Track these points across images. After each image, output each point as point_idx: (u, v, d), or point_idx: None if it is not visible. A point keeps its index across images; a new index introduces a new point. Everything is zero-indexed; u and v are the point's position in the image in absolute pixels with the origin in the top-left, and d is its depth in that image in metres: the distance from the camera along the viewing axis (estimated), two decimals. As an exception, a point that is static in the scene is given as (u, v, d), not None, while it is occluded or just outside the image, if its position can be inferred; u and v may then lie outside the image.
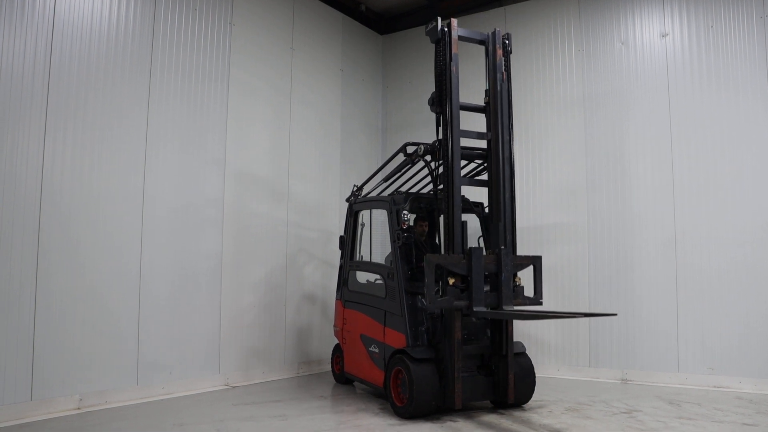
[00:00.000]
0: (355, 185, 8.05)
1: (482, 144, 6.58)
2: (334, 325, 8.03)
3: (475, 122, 7.03)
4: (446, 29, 6.20)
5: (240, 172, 8.08)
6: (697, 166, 7.89)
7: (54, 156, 6.14)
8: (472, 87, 7.56)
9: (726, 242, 7.64)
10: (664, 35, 8.26)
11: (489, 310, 5.94)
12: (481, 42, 6.49)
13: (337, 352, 8.09)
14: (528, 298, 6.36)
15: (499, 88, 6.34)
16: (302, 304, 8.96)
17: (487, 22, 9.63)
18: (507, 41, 6.50)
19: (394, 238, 6.56)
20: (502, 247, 6.12)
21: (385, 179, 7.52)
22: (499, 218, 6.23)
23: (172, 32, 7.33)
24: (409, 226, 6.49)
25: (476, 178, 6.77)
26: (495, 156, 6.34)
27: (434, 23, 6.22)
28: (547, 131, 9.01)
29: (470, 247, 5.97)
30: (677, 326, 7.83)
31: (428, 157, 6.53)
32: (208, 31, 7.76)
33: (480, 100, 6.66)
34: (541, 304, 6.39)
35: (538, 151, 9.06)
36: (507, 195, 6.30)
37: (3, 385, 5.65)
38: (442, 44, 6.19)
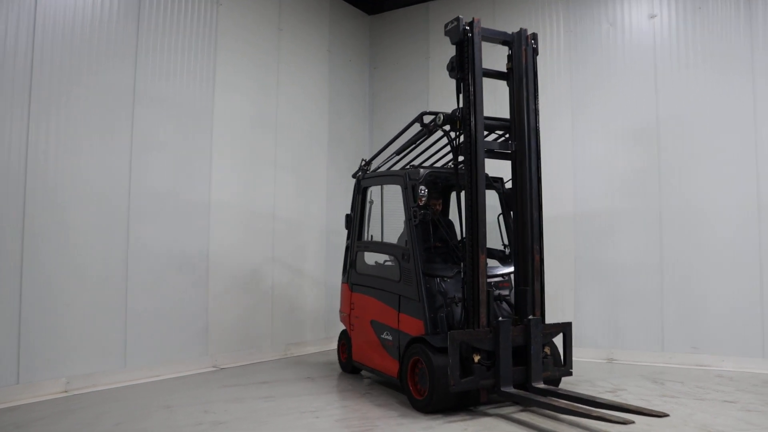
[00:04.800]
0: (363, 159, 7.60)
1: (504, 113, 6.13)
2: (340, 311, 7.59)
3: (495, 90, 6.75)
4: (469, 30, 5.67)
5: (227, 154, 8.03)
6: (683, 146, 7.93)
7: (38, 139, 6.07)
8: (489, 53, 7.08)
9: (711, 222, 7.71)
10: (652, 16, 8.24)
11: (518, 392, 5.43)
12: (505, 42, 6.02)
13: (344, 339, 7.52)
14: (558, 369, 5.90)
15: (524, 59, 5.92)
16: (290, 284, 8.96)
17: (473, 2, 9.58)
18: (534, 41, 6.00)
19: (410, 216, 6.03)
20: (530, 317, 5.65)
21: (398, 152, 7.00)
22: (524, 195, 5.87)
23: (158, 12, 7.23)
24: (426, 203, 6.03)
25: (497, 150, 6.09)
26: (519, 126, 5.91)
27: (455, 22, 5.70)
28: (535, 112, 8.99)
29: (497, 321, 5.45)
30: (662, 306, 7.91)
31: (447, 127, 5.99)
32: (194, 11, 7.66)
33: (501, 66, 6.19)
34: (570, 374, 5.99)
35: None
36: (533, 169, 5.89)
37: (-11, 369, 5.65)
38: (466, 45, 5.66)
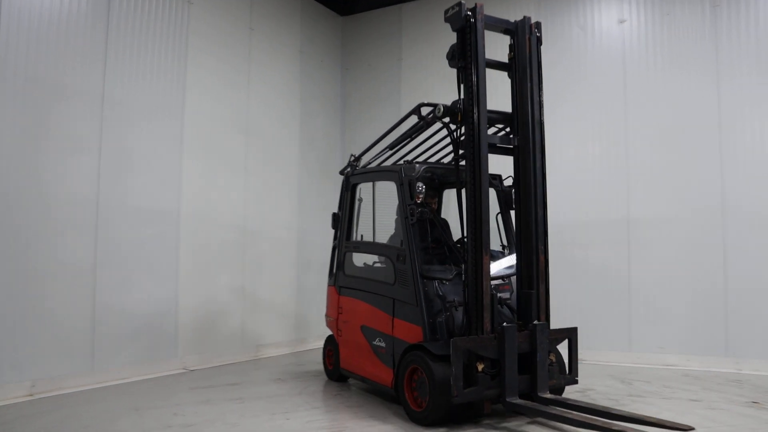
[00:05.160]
0: (352, 155, 7.15)
1: (498, 106, 5.72)
2: (327, 315, 7.14)
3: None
4: (471, 15, 5.31)
5: (198, 153, 7.95)
6: (651, 148, 8.08)
7: (2, 140, 5.94)
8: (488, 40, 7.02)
9: (677, 223, 7.86)
10: (621, 21, 8.37)
11: (526, 403, 5.04)
12: (507, 31, 5.66)
13: (330, 345, 7.09)
14: (563, 377, 5.55)
15: (528, 48, 5.56)
16: (260, 285, 8.91)
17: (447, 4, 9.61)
18: (537, 30, 5.64)
19: (407, 214, 5.64)
20: (536, 321, 5.31)
21: (391, 146, 6.58)
22: (528, 192, 5.50)
23: (128, 12, 7.12)
24: (423, 201, 5.69)
25: (499, 145, 5.67)
26: (523, 119, 5.55)
27: (456, 8, 5.38)
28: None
29: (502, 326, 5.06)
30: (630, 307, 8.04)
31: (447, 119, 5.57)
32: (165, 10, 7.57)
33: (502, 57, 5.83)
34: (576, 382, 5.63)
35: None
36: (538, 164, 5.52)
37: (-49, 372, 5.52)
38: (468, 32, 5.32)
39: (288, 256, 9.42)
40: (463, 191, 5.39)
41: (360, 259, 6.73)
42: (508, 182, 6.11)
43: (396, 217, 6.25)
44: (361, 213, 6.87)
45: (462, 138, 5.40)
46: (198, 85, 7.98)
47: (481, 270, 5.11)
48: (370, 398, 6.17)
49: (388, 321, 5.87)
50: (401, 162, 6.48)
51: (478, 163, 5.21)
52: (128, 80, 7.12)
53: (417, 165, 5.99)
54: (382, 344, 5.92)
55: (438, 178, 6.36)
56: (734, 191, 7.59)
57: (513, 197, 5.87)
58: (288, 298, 9.37)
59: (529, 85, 5.53)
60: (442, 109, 5.48)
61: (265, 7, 9.24)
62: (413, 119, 6.03)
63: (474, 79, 5.25)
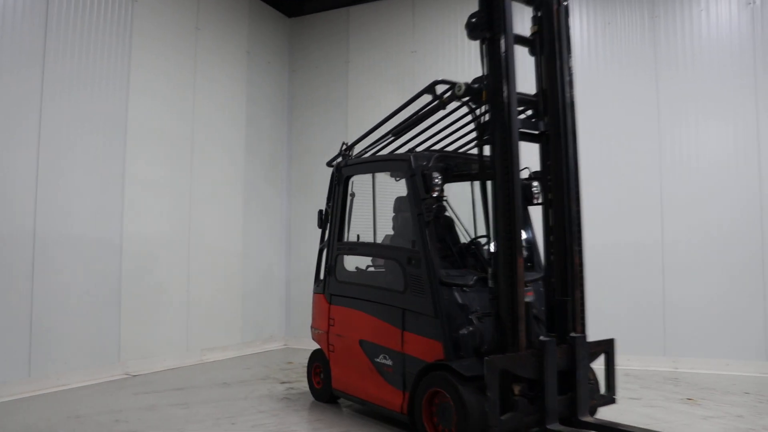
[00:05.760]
0: (344, 143, 6.26)
1: (523, 88, 4.84)
2: (314, 327, 6.30)
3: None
4: None
5: (142, 155, 7.78)
6: (594, 151, 8.29)
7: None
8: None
9: (619, 224, 8.14)
10: (564, 29, 8.60)
11: (572, 430, 4.34)
12: (530, 2, 4.90)
13: (318, 361, 6.23)
14: (602, 396, 4.84)
15: (556, 20, 4.82)
16: (205, 288, 8.78)
17: (394, 8, 9.68)
18: (565, 0, 4.87)
19: (421, 211, 4.88)
20: (573, 334, 4.56)
21: (395, 132, 5.72)
22: (560, 184, 4.76)
23: (68, 11, 6.92)
24: (440, 195, 4.93)
25: (524, 131, 4.80)
26: (552, 102, 4.80)
27: None
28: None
29: (540, 341, 4.32)
30: (572, 308, 8.23)
31: (466, 98, 4.86)
32: (108, 8, 7.39)
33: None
34: (614, 401, 4.87)
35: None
36: (571, 152, 4.78)
37: None
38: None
39: (233, 260, 9.31)
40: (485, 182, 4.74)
41: (351, 262, 6.00)
42: (524, 174, 5.35)
43: (393, 214, 5.71)
44: (353, 210, 6.09)
45: (486, 121, 4.65)
46: (142, 87, 7.81)
47: (516, 275, 4.34)
48: (331, 408, 6.14)
49: (396, 335, 5.06)
50: (397, 152, 5.90)
51: (509, 150, 4.42)
52: (68, 84, 6.90)
53: (427, 153, 5.25)
54: (389, 362, 5.13)
55: (452, 169, 5.51)
56: (672, 192, 7.93)
57: (532, 191, 5.31)
58: (233, 302, 9.26)
59: (558, 62, 4.79)
60: (463, 87, 4.78)
61: (212, 6, 9.12)
62: (413, 108, 5.44)
63: (503, 51, 4.49)
